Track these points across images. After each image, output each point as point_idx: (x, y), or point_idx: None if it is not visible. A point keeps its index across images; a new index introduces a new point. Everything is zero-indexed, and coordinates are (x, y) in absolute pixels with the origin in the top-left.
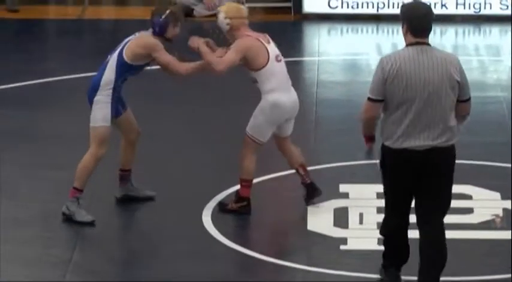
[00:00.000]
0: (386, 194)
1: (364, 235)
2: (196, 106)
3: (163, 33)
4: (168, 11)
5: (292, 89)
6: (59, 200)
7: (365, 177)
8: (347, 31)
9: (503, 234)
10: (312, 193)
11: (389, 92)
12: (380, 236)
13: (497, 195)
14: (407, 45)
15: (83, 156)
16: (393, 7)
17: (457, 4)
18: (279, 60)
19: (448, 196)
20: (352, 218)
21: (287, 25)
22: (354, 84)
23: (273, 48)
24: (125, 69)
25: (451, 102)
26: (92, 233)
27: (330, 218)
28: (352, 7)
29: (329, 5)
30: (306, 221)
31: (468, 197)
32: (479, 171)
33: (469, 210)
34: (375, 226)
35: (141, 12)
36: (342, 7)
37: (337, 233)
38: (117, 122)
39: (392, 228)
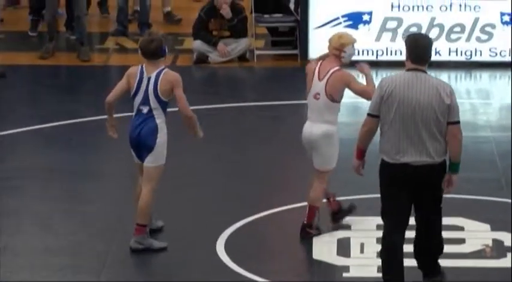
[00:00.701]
0: (384, 206)
1: (365, 263)
2: (209, 145)
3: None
4: (161, 37)
5: (311, 122)
6: (86, 231)
7: (366, 210)
8: None
9: (494, 263)
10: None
11: (384, 109)
12: (379, 264)
13: (488, 227)
14: (406, 70)
15: (108, 191)
16: (391, 54)
17: (449, 51)
18: (317, 98)
19: (440, 202)
20: (354, 248)
21: (294, 70)
22: (356, 125)
23: (317, 85)
24: (165, 108)
25: (441, 123)
26: (114, 260)
27: (333, 247)
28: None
29: None
30: (312, 251)
31: (460, 229)
32: (470, 205)
33: (461, 241)
34: (375, 255)
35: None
36: None
37: (340, 261)
38: (143, 165)
39: (390, 240)
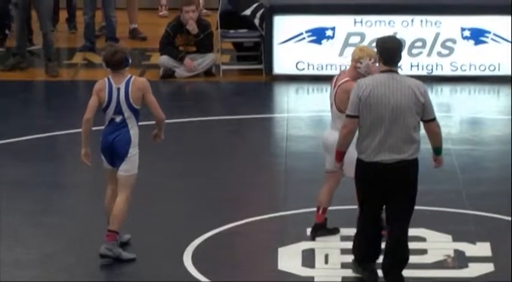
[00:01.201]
0: (360, 201)
1: (330, 274)
2: (176, 158)
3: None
4: (122, 48)
5: (329, 129)
6: (55, 244)
7: (330, 222)
8: (313, 90)
9: (455, 273)
10: (316, 230)
11: (362, 110)
12: (344, 275)
13: (449, 237)
14: (380, 72)
15: (77, 204)
16: None
17: (411, 66)
18: (331, 107)
19: (413, 202)
20: (319, 259)
21: (259, 85)
22: (320, 139)
23: (331, 94)
24: (138, 116)
25: (415, 122)
26: (83, 273)
27: (298, 258)
28: (317, 69)
29: (297, 67)
30: (277, 262)
31: (422, 239)
32: (432, 216)
33: (423, 251)
34: (339, 266)
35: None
36: (308, 69)
37: (305, 272)
38: (115, 172)
39: (369, 230)
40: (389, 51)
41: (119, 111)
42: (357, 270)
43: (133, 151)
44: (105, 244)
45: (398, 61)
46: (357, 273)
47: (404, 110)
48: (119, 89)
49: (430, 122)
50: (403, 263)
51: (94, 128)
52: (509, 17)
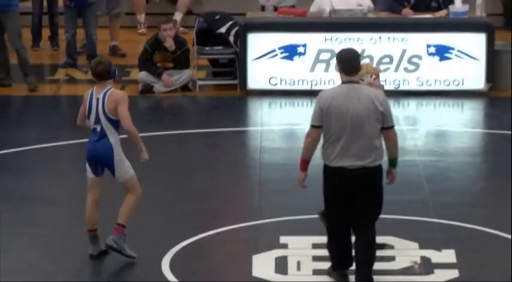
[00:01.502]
0: (327, 206)
1: (301, 280)
2: (154, 170)
3: (115, 77)
4: (108, 61)
5: None
6: (37, 252)
7: (302, 230)
8: (285, 104)
9: (422, 279)
10: None
11: (325, 120)
12: (316, 281)
13: (416, 245)
14: (342, 82)
15: (57, 215)
16: (325, 84)
17: (379, 81)
18: None
19: (378, 207)
20: (291, 266)
21: (234, 100)
22: (292, 150)
23: None
24: (117, 126)
25: (376, 130)
26: (63, 281)
27: (271, 265)
28: (289, 84)
29: (270, 82)
30: (252, 269)
31: (390, 247)
32: (399, 225)
33: (391, 258)
34: (311, 272)
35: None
36: (280, 84)
37: (278, 278)
38: (97, 181)
39: (335, 236)
40: (348, 62)
41: (97, 121)
42: (330, 274)
43: (118, 157)
44: (112, 236)
45: (357, 71)
46: (330, 276)
47: (364, 118)
48: (97, 99)
49: (389, 129)
50: (372, 263)
51: (77, 141)
52: (472, 34)
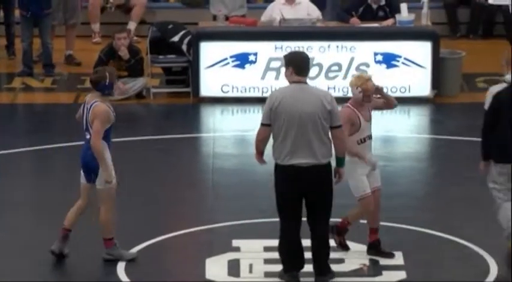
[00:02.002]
0: (279, 205)
1: None
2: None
3: (111, 94)
4: (107, 73)
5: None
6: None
7: (254, 234)
8: (237, 111)
9: (370, 280)
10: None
11: (274, 119)
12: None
13: (365, 247)
14: (290, 83)
15: (20, 218)
16: None
17: (328, 88)
18: None
19: (330, 203)
20: (243, 268)
21: (187, 107)
22: (244, 156)
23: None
24: (105, 137)
25: (325, 128)
26: None
27: (224, 268)
28: (241, 91)
29: (222, 90)
30: (205, 271)
31: (340, 250)
32: (349, 228)
33: (341, 260)
34: (262, 275)
35: (67, 98)
36: (232, 91)
37: (231, 280)
38: (88, 187)
39: (287, 234)
40: (300, 63)
41: (86, 128)
42: (282, 276)
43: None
44: (106, 250)
45: (307, 72)
46: (281, 279)
47: (313, 117)
48: (87, 109)
49: (336, 128)
50: (328, 255)
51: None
52: (418, 42)
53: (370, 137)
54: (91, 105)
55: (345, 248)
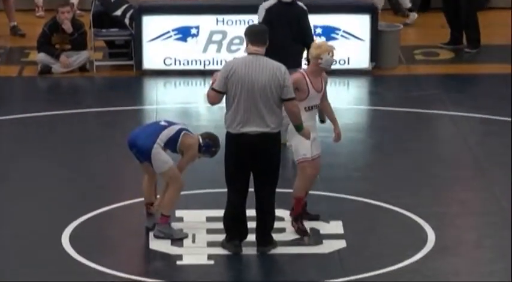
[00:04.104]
0: (228, 174)
1: (196, 252)
2: (53, 148)
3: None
4: (214, 138)
5: None
6: None
7: (197, 204)
8: (180, 84)
9: (311, 249)
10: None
11: (228, 87)
12: (210, 252)
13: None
14: (248, 53)
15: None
16: (217, 64)
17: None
18: None
19: (276, 171)
20: (186, 238)
21: (130, 79)
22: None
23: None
24: (172, 146)
25: (276, 99)
26: None
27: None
28: (183, 64)
29: (164, 63)
30: (149, 241)
31: (281, 219)
32: (289, 198)
33: (282, 230)
34: (205, 244)
35: (10, 71)
36: (175, 64)
37: (174, 250)
38: (145, 165)
39: (234, 203)
40: (258, 34)
41: (168, 126)
42: (224, 246)
43: (155, 153)
44: (157, 226)
45: (262, 43)
46: (224, 248)
47: (266, 88)
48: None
49: (289, 101)
50: (272, 227)
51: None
52: (357, 15)
53: (317, 106)
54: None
55: (305, 233)
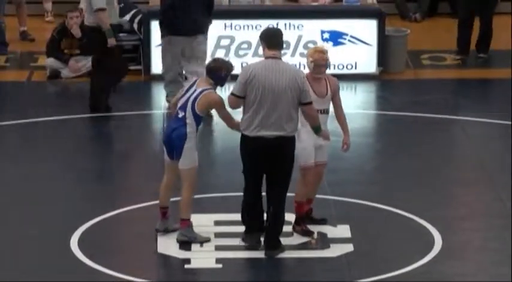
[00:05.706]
0: (245, 174)
1: (204, 256)
2: (62, 152)
3: (223, 85)
4: (227, 66)
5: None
6: None
7: (205, 208)
8: None
9: (318, 253)
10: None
11: (248, 91)
12: (217, 256)
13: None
14: (265, 58)
15: None
16: None
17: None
18: None
19: (289, 174)
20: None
21: (139, 84)
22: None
23: None
24: (198, 120)
25: (295, 103)
26: None
27: (176, 242)
28: None
29: None
30: (157, 245)
31: (289, 223)
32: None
33: (289, 234)
34: (213, 248)
35: (19, 76)
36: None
37: (183, 254)
38: (171, 164)
39: (251, 200)
40: (274, 38)
41: (183, 108)
42: (243, 239)
43: (188, 148)
44: (180, 230)
45: (279, 47)
46: (244, 242)
47: (285, 92)
48: (195, 91)
49: (308, 105)
50: (280, 231)
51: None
52: (364, 20)
53: (324, 111)
54: (201, 92)
55: (310, 233)
